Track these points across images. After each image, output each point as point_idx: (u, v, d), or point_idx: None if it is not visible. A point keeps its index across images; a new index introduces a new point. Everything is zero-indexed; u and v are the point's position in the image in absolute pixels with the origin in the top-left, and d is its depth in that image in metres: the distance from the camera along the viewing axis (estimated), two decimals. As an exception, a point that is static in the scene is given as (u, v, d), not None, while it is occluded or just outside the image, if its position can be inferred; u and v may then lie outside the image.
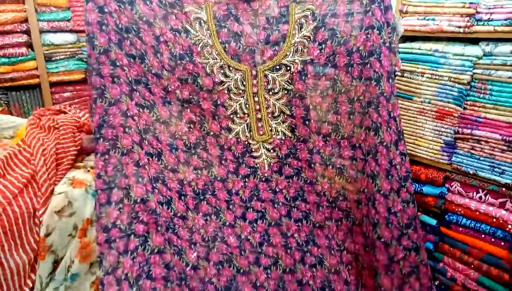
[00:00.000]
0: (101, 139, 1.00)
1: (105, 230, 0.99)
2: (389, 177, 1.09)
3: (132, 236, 1.02)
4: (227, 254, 1.14)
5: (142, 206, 1.02)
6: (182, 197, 1.11)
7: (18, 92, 2.32)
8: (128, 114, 1.01)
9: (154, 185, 1.06)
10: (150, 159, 1.07)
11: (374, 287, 1.17)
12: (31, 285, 1.24)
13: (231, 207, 1.16)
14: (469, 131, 1.60)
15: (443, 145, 1.72)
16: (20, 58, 2.24)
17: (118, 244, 0.99)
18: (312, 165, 1.17)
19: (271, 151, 1.18)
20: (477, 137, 1.59)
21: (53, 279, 1.18)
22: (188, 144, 1.13)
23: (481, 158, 1.60)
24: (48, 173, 1.35)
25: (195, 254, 1.10)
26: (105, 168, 1.00)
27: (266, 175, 1.18)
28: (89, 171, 1.40)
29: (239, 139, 1.16)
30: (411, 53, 1.75)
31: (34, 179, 1.34)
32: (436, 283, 1.78)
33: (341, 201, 1.18)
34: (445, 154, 1.72)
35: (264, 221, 1.18)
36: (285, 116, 1.15)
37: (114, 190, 1.00)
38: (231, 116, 1.15)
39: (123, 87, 1.01)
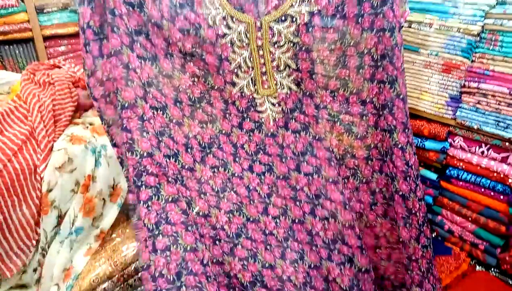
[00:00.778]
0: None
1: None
2: (406, 130, 1.08)
3: (144, 187, 1.02)
4: (237, 204, 1.16)
5: (149, 159, 1.01)
6: (189, 150, 1.11)
7: (11, 46, 2.25)
8: (130, 66, 0.98)
9: (160, 139, 1.05)
10: (155, 112, 1.05)
11: (373, 246, 1.20)
12: (37, 238, 1.26)
13: (237, 159, 1.16)
14: (476, 85, 1.56)
15: (448, 99, 1.68)
16: (10, 10, 2.15)
17: (128, 196, 1.01)
18: (320, 121, 1.15)
19: (276, 105, 1.15)
20: (483, 91, 1.55)
21: (58, 233, 1.20)
22: (193, 98, 1.11)
23: (486, 113, 1.57)
24: (46, 129, 1.34)
25: (196, 208, 1.12)
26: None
27: (271, 130, 1.16)
28: (87, 127, 1.39)
29: (243, 94, 1.13)
30: (420, 2, 1.67)
31: (32, 136, 1.33)
32: (433, 236, 1.83)
33: (349, 158, 1.16)
34: (449, 108, 1.69)
35: (272, 174, 1.19)
36: (291, 70, 1.11)
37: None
38: (235, 70, 1.10)
39: (123, 38, 0.97)
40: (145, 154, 1.00)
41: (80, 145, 1.26)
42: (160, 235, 1.01)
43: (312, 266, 1.16)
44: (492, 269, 1.59)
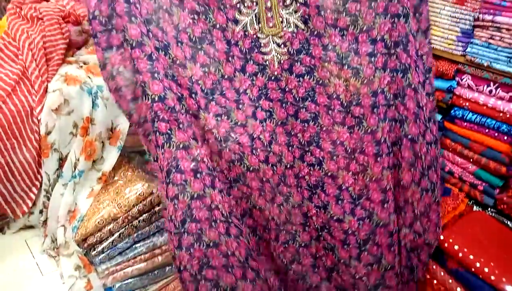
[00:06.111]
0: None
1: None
2: (417, 69, 1.04)
3: (158, 133, 1.03)
4: (239, 153, 1.14)
5: (160, 104, 0.98)
6: (193, 95, 1.07)
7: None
8: (131, 0, 0.91)
9: (168, 80, 1.02)
10: (157, 53, 1.00)
11: (380, 201, 1.18)
12: (40, 180, 1.27)
13: (240, 106, 1.13)
14: (490, 17, 1.46)
15: (459, 34, 1.60)
16: None
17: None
18: (326, 64, 1.09)
19: (282, 46, 1.08)
20: (498, 25, 1.46)
21: (61, 176, 1.20)
22: (193, 38, 1.04)
23: (499, 48, 1.49)
24: (39, 69, 1.28)
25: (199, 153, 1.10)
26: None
27: (275, 73, 1.11)
28: (81, 66, 1.33)
29: (246, 33, 1.06)
30: None
31: (25, 76, 1.28)
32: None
33: (354, 105, 1.12)
34: (460, 44, 1.60)
35: (272, 121, 1.16)
36: (298, 4, 1.03)
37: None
38: (238, 5, 1.02)
39: None
40: (156, 99, 0.97)
41: (75, 86, 1.21)
42: (170, 183, 1.02)
43: (296, 205, 1.18)
44: (489, 209, 1.62)
